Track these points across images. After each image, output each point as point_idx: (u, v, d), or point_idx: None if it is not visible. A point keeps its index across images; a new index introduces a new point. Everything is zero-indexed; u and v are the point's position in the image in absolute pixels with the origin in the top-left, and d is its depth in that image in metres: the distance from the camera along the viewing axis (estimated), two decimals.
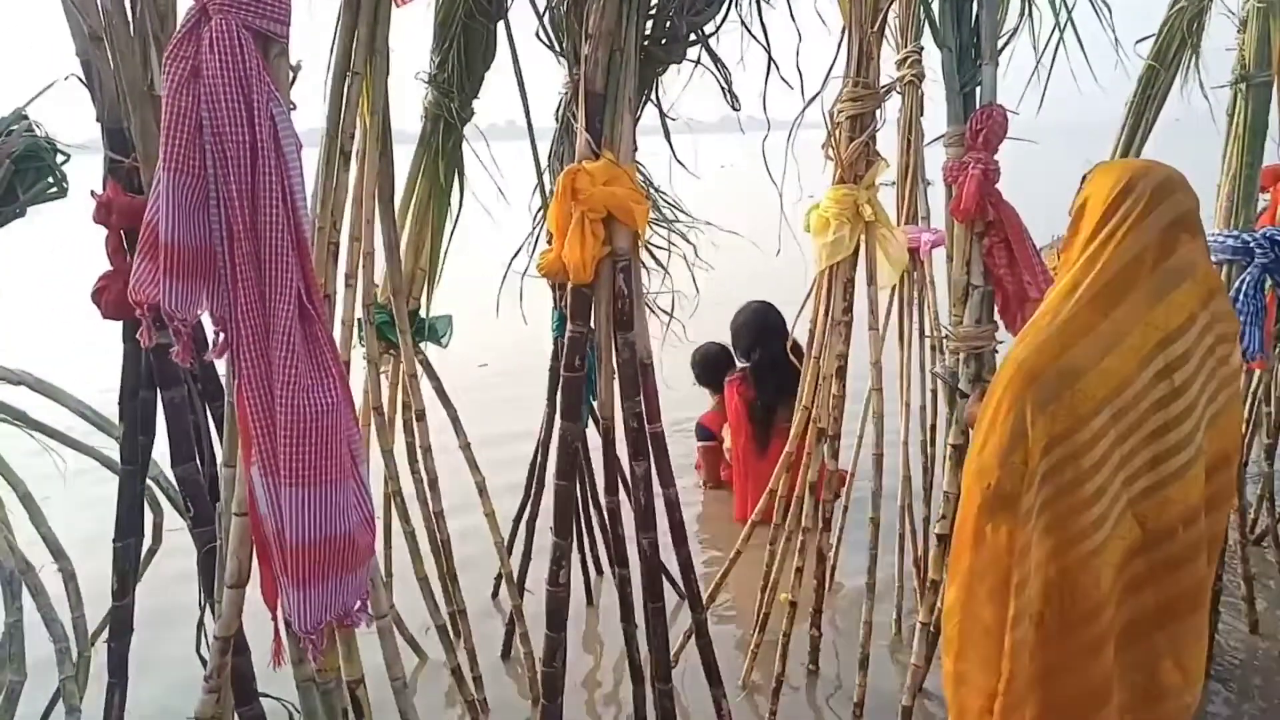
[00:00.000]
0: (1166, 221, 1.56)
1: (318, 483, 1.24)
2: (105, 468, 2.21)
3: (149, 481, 2.53)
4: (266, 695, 1.83)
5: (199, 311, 1.24)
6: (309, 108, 2.11)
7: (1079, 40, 2.34)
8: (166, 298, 1.20)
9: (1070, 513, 1.54)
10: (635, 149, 1.88)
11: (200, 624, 1.94)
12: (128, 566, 1.92)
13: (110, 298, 1.70)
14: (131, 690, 1.96)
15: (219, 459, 1.58)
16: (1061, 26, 2.31)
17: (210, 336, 1.35)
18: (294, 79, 1.31)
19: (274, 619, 1.37)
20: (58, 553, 2.25)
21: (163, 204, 1.20)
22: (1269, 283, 2.57)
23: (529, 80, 2.44)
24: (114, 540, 1.90)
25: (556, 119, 2.50)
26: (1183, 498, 1.53)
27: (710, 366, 4.36)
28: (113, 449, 2.01)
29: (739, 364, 4.18)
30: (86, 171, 1.93)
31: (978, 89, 2.29)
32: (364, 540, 1.33)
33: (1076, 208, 1.69)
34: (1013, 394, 1.57)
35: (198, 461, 1.83)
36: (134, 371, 1.85)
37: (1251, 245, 2.51)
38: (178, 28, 1.23)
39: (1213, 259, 2.61)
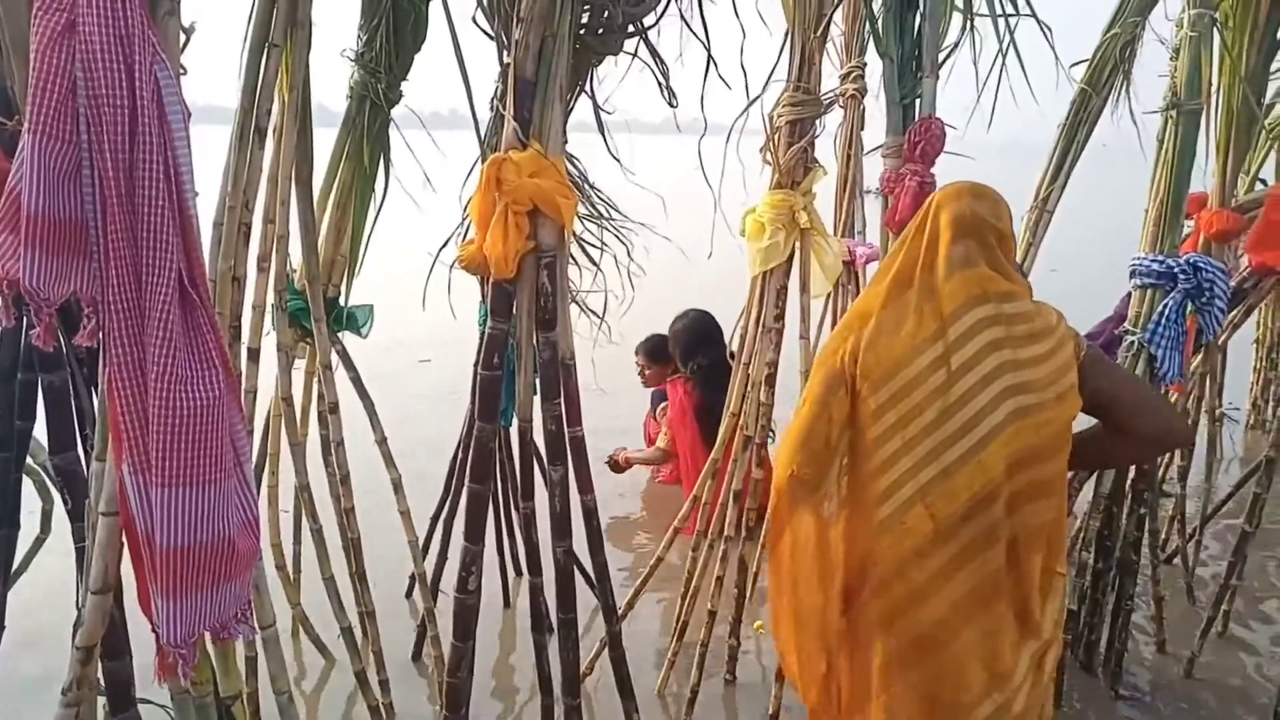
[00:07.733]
0: (947, 219, 1.66)
1: (192, 483, 1.14)
2: None
3: (38, 468, 2.38)
4: (146, 701, 1.71)
5: (65, 291, 1.12)
6: (226, 83, 2.00)
7: (1019, 58, 2.34)
8: (28, 274, 1.08)
9: (859, 486, 1.63)
10: (565, 140, 1.80)
11: (75, 628, 1.80)
12: (1, 559, 1.79)
13: None
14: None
15: None
16: (1004, 50, 2.31)
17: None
18: (186, 42, 1.20)
19: (153, 629, 1.25)
20: None
21: (28, 170, 1.08)
22: (1190, 308, 2.60)
23: (475, 69, 2.34)
24: None
25: (491, 107, 2.41)
26: (967, 486, 1.52)
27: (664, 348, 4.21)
28: None
29: (681, 367, 4.11)
30: None
31: (918, 101, 2.28)
32: (245, 545, 1.22)
33: None
34: (812, 382, 1.71)
35: (79, 451, 1.70)
36: (12, 352, 1.71)
37: (1175, 270, 2.54)
38: None
39: (1137, 283, 2.65)
